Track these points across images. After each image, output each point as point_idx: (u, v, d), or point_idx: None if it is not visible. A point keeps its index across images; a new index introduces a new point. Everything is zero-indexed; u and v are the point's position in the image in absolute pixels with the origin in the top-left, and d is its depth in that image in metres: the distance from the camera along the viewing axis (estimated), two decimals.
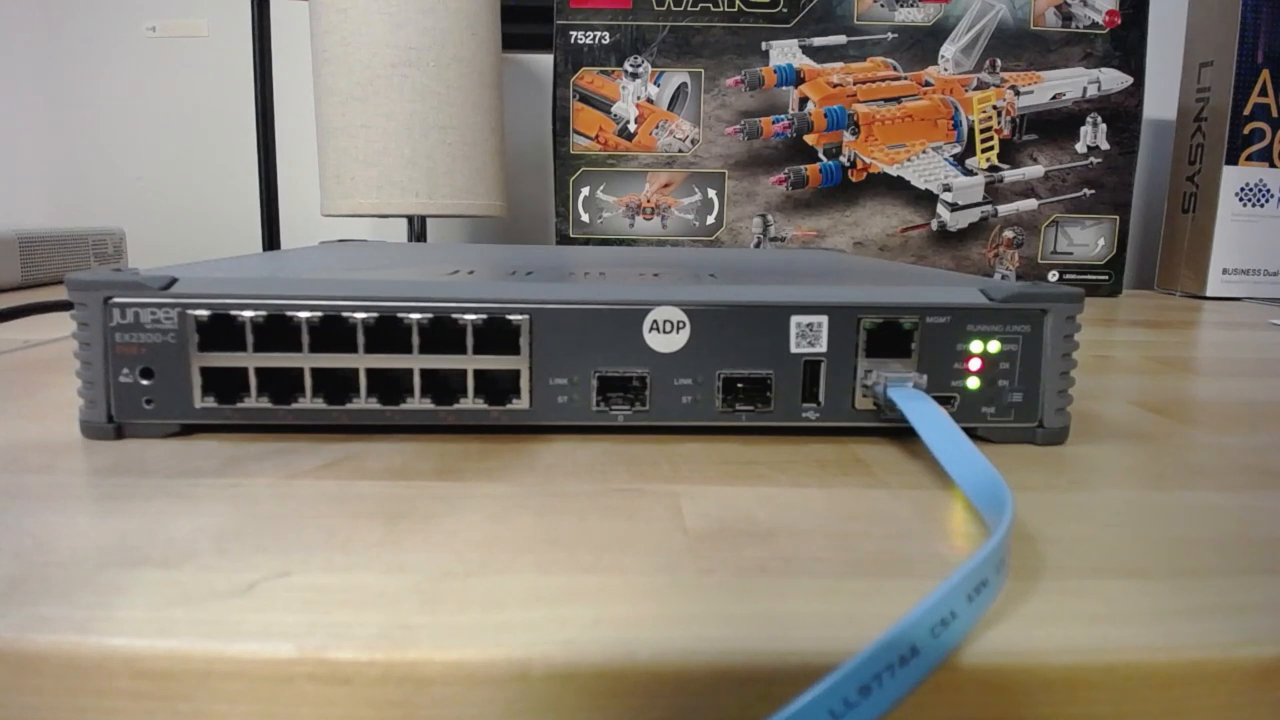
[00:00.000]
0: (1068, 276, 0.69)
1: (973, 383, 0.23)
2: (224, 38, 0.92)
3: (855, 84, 0.66)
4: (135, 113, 0.94)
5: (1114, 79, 0.66)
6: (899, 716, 0.13)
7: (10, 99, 0.94)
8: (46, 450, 0.22)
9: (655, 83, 0.66)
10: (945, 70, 0.66)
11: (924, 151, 0.66)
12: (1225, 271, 0.72)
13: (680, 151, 0.66)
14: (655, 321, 0.23)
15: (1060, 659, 0.13)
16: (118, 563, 0.15)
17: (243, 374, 0.22)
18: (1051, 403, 0.24)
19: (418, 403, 0.23)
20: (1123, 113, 0.66)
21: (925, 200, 0.67)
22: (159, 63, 0.93)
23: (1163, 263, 0.78)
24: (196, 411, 0.23)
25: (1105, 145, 0.67)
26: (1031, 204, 0.67)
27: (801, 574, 0.15)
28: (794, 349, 0.23)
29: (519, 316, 0.23)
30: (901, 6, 0.65)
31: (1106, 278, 0.69)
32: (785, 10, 0.65)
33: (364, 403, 0.23)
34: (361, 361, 0.22)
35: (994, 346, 0.23)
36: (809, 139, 0.66)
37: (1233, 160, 0.70)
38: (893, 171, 0.67)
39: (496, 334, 0.23)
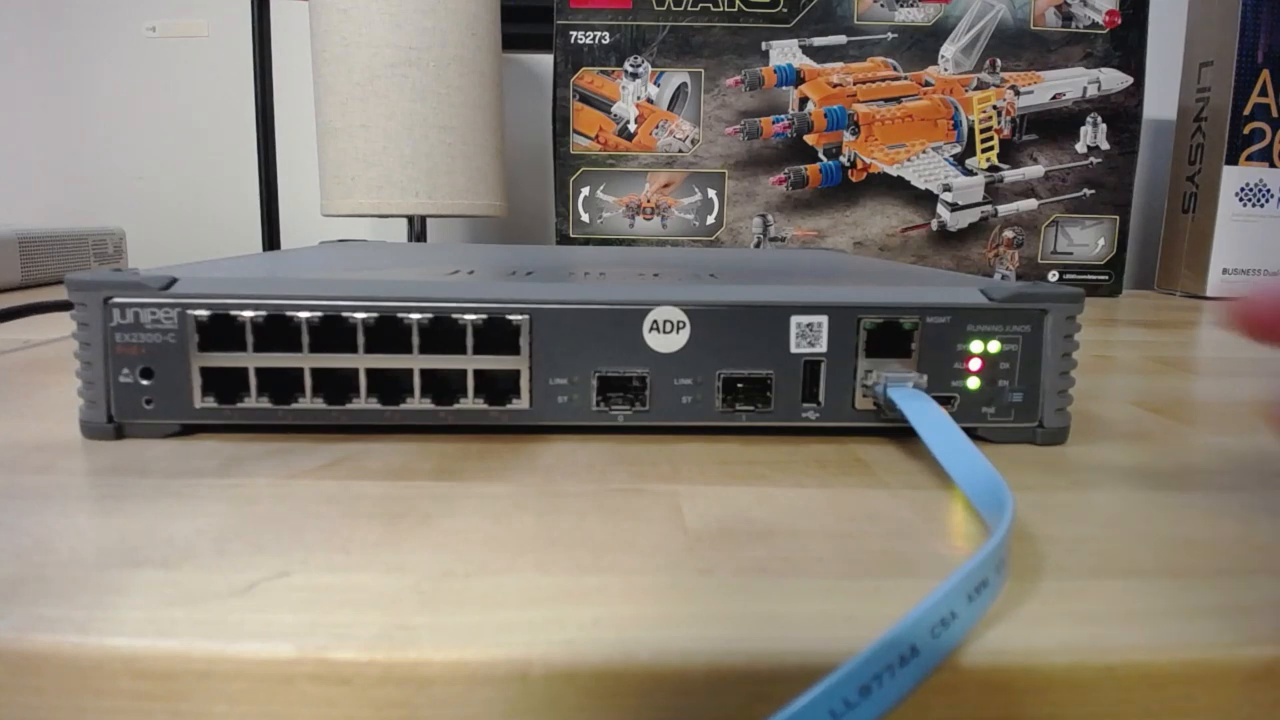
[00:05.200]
0: (1068, 276, 0.69)
1: (973, 383, 0.23)
2: (224, 38, 0.92)
3: (855, 84, 0.66)
4: (135, 113, 0.94)
5: (1114, 79, 0.66)
6: (899, 716, 0.13)
7: (10, 99, 0.94)
8: (46, 450, 0.22)
9: (655, 83, 0.66)
10: (945, 70, 0.66)
11: (924, 151, 0.66)
12: (1225, 271, 0.71)
13: (680, 151, 0.66)
14: (655, 321, 0.23)
15: (1060, 659, 0.13)
16: (118, 563, 0.15)
17: (243, 374, 0.22)
18: (1051, 403, 0.24)
19: (418, 403, 0.23)
20: (1123, 113, 0.66)
21: (925, 200, 0.67)
22: (159, 63, 0.93)
23: (1163, 263, 0.78)
24: (196, 411, 0.23)
25: (1105, 145, 0.67)
26: (1031, 204, 0.67)
27: (801, 574, 0.15)
28: (794, 349, 0.23)
29: (519, 316, 0.22)
30: (901, 6, 0.65)
31: (1106, 278, 0.69)
32: (785, 10, 0.65)
33: (364, 403, 0.23)
34: (361, 361, 0.22)
35: (994, 346, 0.23)
36: (809, 139, 0.66)
37: (1233, 160, 0.69)
38: (893, 171, 0.67)
39: (496, 334, 0.23)
